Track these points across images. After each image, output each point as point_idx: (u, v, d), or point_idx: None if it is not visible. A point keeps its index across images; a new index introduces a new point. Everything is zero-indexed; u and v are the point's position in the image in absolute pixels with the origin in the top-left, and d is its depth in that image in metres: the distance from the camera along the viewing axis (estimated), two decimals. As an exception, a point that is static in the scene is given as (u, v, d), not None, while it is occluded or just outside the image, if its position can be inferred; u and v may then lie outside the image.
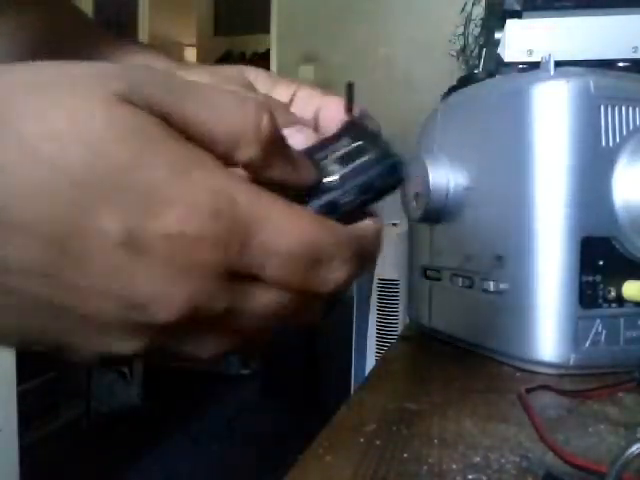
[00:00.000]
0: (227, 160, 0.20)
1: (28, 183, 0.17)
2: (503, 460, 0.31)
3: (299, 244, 0.20)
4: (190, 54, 5.30)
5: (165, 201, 0.18)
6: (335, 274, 0.21)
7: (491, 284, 0.48)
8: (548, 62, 0.47)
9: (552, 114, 0.45)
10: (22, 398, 1.53)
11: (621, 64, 0.56)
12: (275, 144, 0.21)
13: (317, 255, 0.20)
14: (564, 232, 0.45)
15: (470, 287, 0.51)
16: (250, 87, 0.32)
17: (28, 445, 1.62)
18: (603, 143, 0.45)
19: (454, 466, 0.30)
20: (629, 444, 0.23)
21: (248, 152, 0.20)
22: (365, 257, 0.22)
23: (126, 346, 0.20)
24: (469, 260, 0.52)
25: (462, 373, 0.48)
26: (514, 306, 0.47)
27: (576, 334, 0.45)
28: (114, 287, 0.18)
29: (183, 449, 2.06)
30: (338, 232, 0.21)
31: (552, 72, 0.47)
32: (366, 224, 0.23)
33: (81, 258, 0.18)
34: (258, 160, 0.20)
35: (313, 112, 0.31)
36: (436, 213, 0.54)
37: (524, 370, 0.47)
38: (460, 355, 0.52)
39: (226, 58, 4.56)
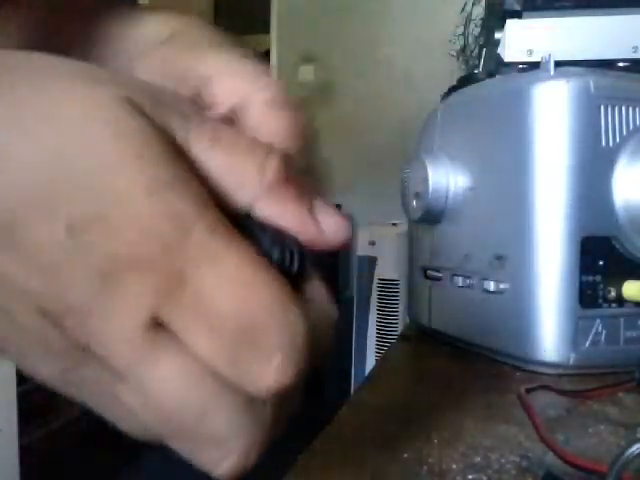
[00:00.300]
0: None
1: (15, 156, 0.16)
2: (503, 460, 0.31)
3: (238, 310, 0.16)
4: (190, 54, 5.30)
5: (123, 215, 0.16)
6: (277, 361, 0.16)
7: (491, 284, 0.48)
8: (548, 62, 0.47)
9: (552, 114, 0.45)
10: (22, 398, 1.53)
11: (621, 64, 0.56)
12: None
13: (259, 335, 0.16)
14: (564, 232, 0.45)
15: (470, 287, 0.51)
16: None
17: (28, 445, 1.62)
18: (603, 143, 0.45)
19: (454, 466, 0.30)
20: (629, 444, 0.24)
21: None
22: (321, 334, 0.18)
23: (44, 369, 0.18)
24: (469, 260, 0.52)
25: (462, 373, 0.48)
26: (514, 306, 0.47)
27: (576, 334, 0.45)
28: (50, 283, 0.16)
29: (183, 449, 2.06)
30: (290, 302, 0.17)
31: (552, 72, 0.47)
32: (314, 285, 0.19)
33: (30, 245, 0.16)
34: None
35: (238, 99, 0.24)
36: (436, 213, 0.54)
37: (524, 370, 0.47)
38: (460, 355, 0.52)
39: (226, 58, 4.56)
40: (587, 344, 0.45)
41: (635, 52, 0.55)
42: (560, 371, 0.45)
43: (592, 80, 0.45)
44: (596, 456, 0.31)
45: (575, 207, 0.45)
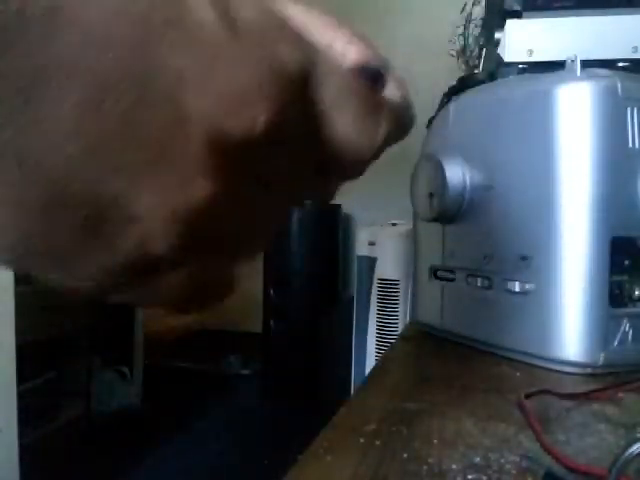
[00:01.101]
0: None
1: None
2: (503, 460, 0.31)
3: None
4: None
5: None
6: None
7: (516, 284, 0.48)
8: (574, 63, 0.46)
9: (579, 116, 0.45)
10: (22, 398, 1.53)
11: (621, 64, 0.56)
12: None
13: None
14: (593, 233, 0.45)
15: (490, 288, 0.51)
16: None
17: (28, 445, 1.62)
18: (630, 144, 0.45)
19: (454, 466, 0.30)
20: (629, 444, 0.24)
21: None
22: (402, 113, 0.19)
23: (194, 187, 0.13)
24: (489, 260, 0.51)
25: (462, 373, 0.47)
26: (540, 306, 0.47)
27: (606, 333, 0.45)
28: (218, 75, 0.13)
29: (183, 449, 2.06)
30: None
31: (578, 73, 0.46)
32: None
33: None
34: None
35: None
36: (453, 213, 0.53)
37: (547, 369, 0.46)
38: (460, 355, 0.52)
39: (226, 58, 4.55)
40: (615, 343, 0.45)
41: (635, 52, 0.55)
42: (589, 371, 0.45)
43: (619, 82, 0.45)
44: (596, 456, 0.31)
45: (603, 208, 0.45)
